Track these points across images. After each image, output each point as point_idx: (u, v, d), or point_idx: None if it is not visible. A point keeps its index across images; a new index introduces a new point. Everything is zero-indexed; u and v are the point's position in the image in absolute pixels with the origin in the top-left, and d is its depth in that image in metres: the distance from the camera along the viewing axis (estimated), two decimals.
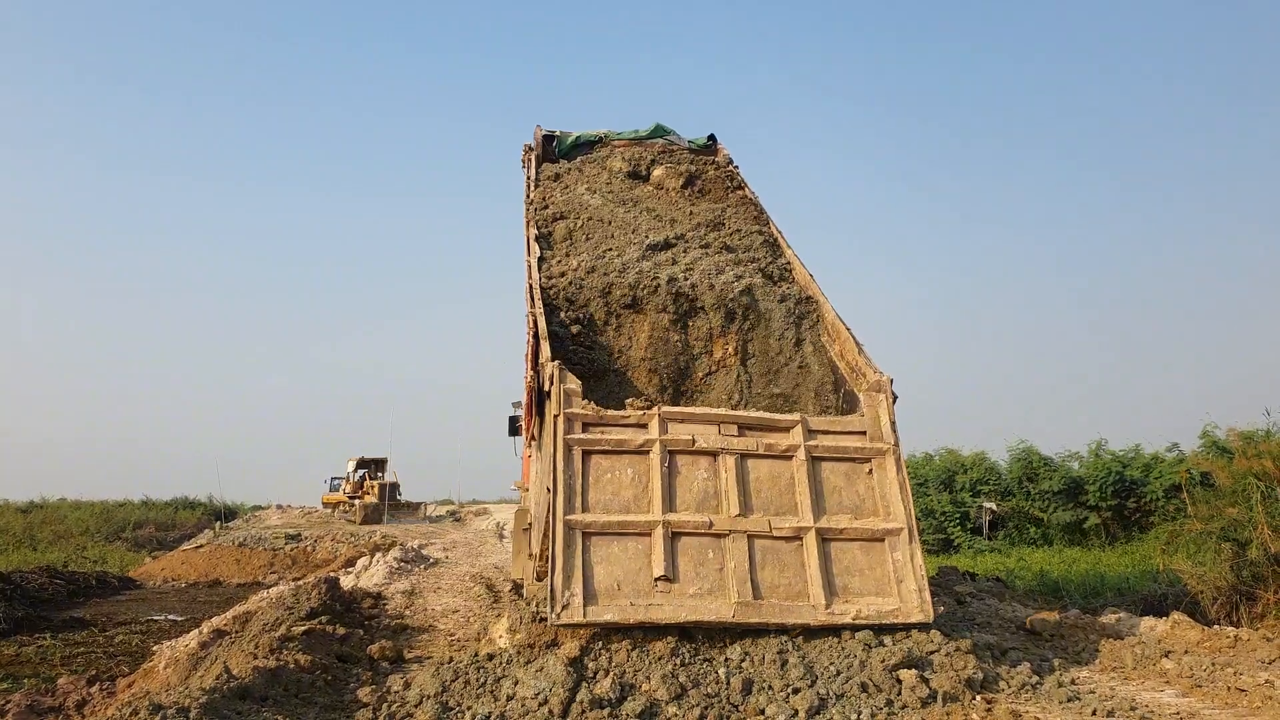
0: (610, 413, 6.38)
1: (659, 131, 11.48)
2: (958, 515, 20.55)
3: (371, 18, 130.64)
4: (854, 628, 5.72)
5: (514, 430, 12.80)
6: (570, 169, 10.93)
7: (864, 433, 6.58)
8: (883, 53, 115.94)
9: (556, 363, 6.43)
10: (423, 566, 16.07)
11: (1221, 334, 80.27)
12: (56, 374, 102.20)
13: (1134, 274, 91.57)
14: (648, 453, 6.21)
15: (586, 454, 6.16)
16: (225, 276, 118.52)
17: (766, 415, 6.71)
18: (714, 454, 6.27)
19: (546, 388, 6.45)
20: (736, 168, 10.86)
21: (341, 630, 7.68)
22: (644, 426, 6.31)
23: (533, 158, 11.26)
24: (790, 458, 6.37)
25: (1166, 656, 6.02)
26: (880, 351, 7.34)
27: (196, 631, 10.36)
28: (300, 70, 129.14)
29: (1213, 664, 5.80)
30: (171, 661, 8.48)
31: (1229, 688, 5.31)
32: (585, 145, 11.53)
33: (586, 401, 6.36)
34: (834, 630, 5.72)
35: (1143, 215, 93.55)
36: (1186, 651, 6.21)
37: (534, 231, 9.02)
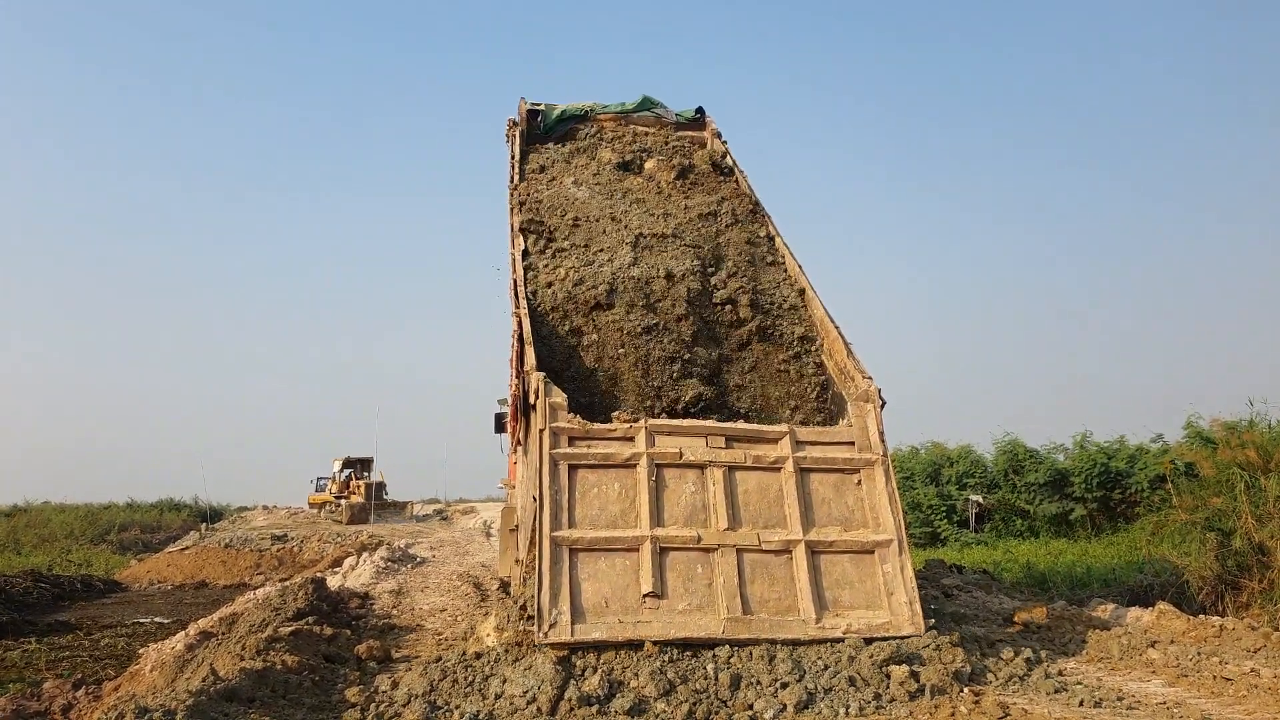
0: (596, 426, 6.27)
1: (646, 104, 11.11)
2: (944, 508, 20.62)
3: (371, 16, 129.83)
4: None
5: (500, 428, 12.64)
6: (556, 160, 10.38)
7: (852, 443, 6.52)
8: (882, 52, 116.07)
9: (541, 375, 6.32)
10: (410, 566, 16.01)
11: (1205, 325, 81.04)
12: (42, 376, 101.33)
13: (1125, 269, 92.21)
14: (635, 466, 6.13)
15: (573, 468, 6.07)
16: (221, 277, 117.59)
17: (754, 427, 6.64)
18: (702, 467, 6.20)
19: (532, 400, 6.35)
20: (725, 142, 10.58)
21: (329, 631, 7.65)
22: (631, 440, 6.23)
23: (517, 134, 10.81)
24: (779, 469, 6.31)
25: (1152, 646, 6.06)
26: (870, 347, 7.28)
27: (183, 634, 10.27)
28: (299, 69, 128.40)
29: (1198, 653, 5.83)
30: (158, 664, 8.40)
31: (1214, 677, 5.35)
32: (571, 119, 11.10)
33: (572, 415, 6.25)
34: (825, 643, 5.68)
35: (1138, 212, 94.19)
36: (1172, 641, 6.24)
37: (518, 220, 8.70)
